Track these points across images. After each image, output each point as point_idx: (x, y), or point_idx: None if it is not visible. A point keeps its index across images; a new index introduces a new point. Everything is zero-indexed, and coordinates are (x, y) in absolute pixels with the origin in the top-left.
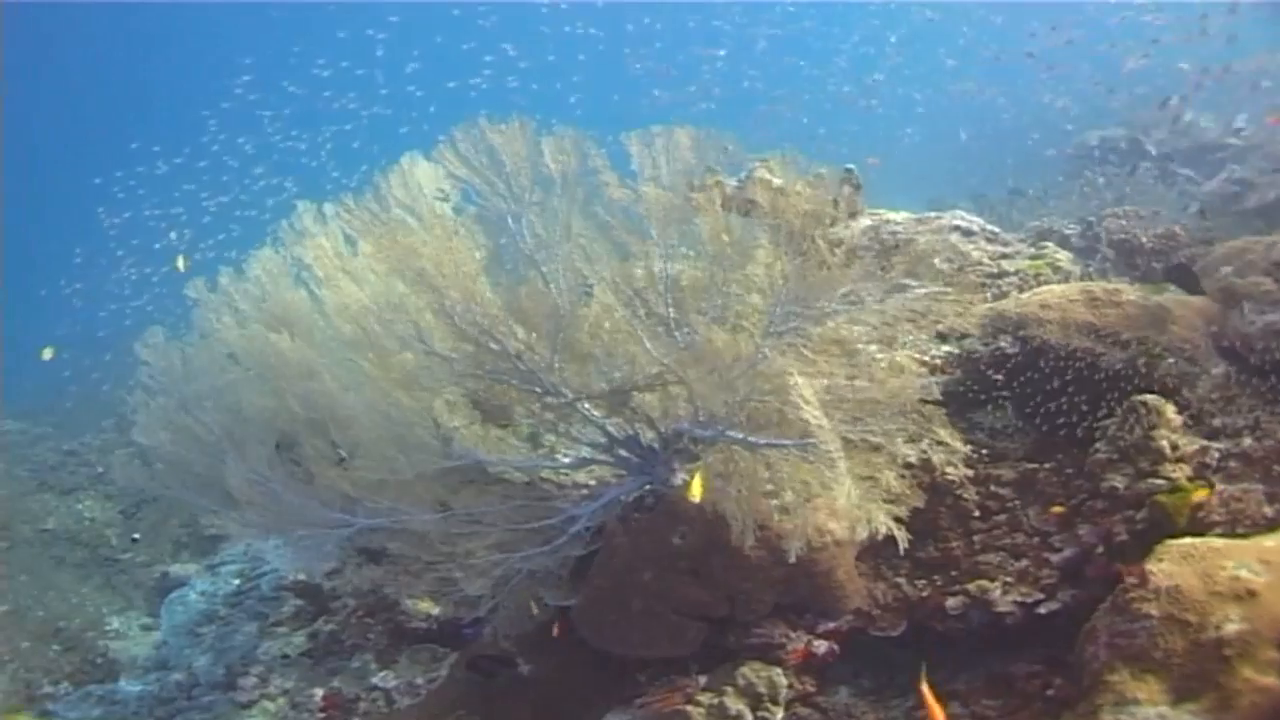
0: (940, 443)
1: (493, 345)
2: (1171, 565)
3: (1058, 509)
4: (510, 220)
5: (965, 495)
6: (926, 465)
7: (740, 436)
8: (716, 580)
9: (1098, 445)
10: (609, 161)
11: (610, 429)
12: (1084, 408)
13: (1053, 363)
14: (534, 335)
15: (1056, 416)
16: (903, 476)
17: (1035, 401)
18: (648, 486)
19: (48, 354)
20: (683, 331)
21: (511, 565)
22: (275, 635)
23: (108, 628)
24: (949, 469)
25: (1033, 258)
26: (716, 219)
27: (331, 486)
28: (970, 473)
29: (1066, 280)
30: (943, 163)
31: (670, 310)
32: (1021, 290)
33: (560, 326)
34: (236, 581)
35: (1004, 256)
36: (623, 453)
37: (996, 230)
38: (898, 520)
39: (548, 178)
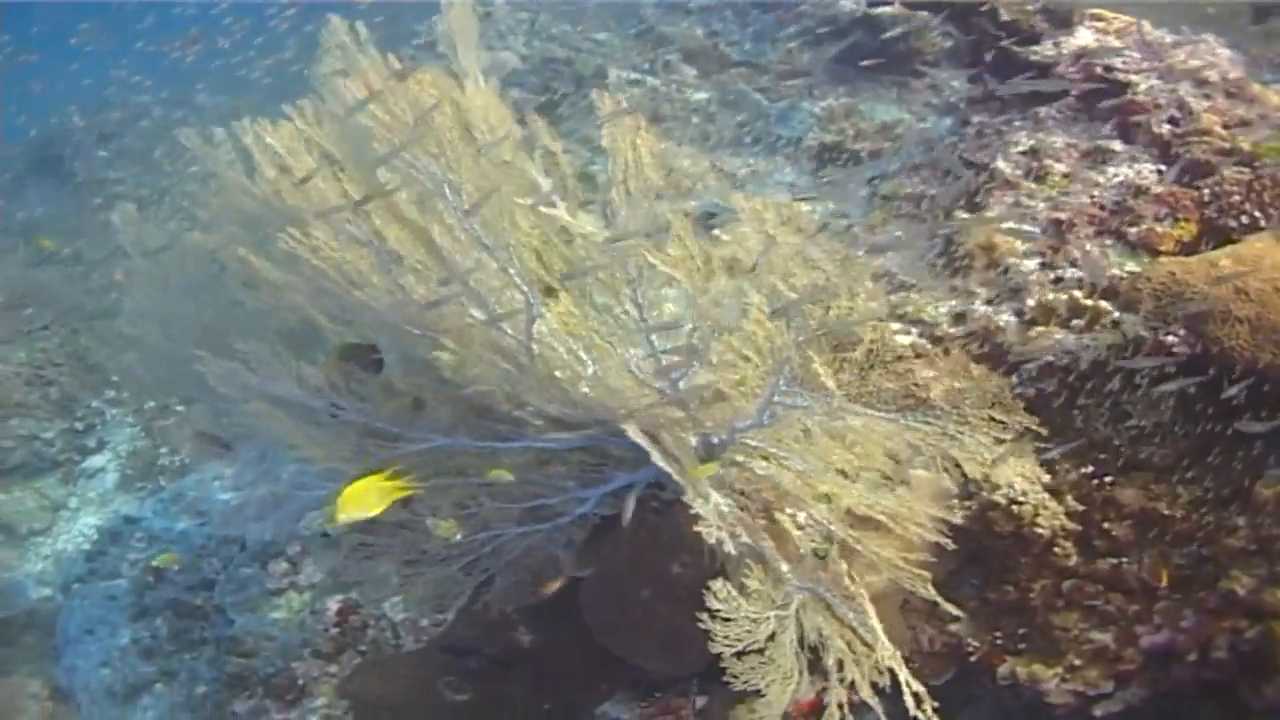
0: None
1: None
2: None
3: None
4: (449, 191)
5: (1064, 546)
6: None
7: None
8: None
9: (1239, 521)
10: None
11: None
12: (1251, 452)
13: (1230, 378)
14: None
15: (1216, 447)
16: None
17: (1195, 415)
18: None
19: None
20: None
21: (504, 542)
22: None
23: None
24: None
25: (1276, 128)
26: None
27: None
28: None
29: None
30: None
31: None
32: (1243, 190)
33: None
34: None
35: (1242, 124)
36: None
37: (1242, 82)
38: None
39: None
